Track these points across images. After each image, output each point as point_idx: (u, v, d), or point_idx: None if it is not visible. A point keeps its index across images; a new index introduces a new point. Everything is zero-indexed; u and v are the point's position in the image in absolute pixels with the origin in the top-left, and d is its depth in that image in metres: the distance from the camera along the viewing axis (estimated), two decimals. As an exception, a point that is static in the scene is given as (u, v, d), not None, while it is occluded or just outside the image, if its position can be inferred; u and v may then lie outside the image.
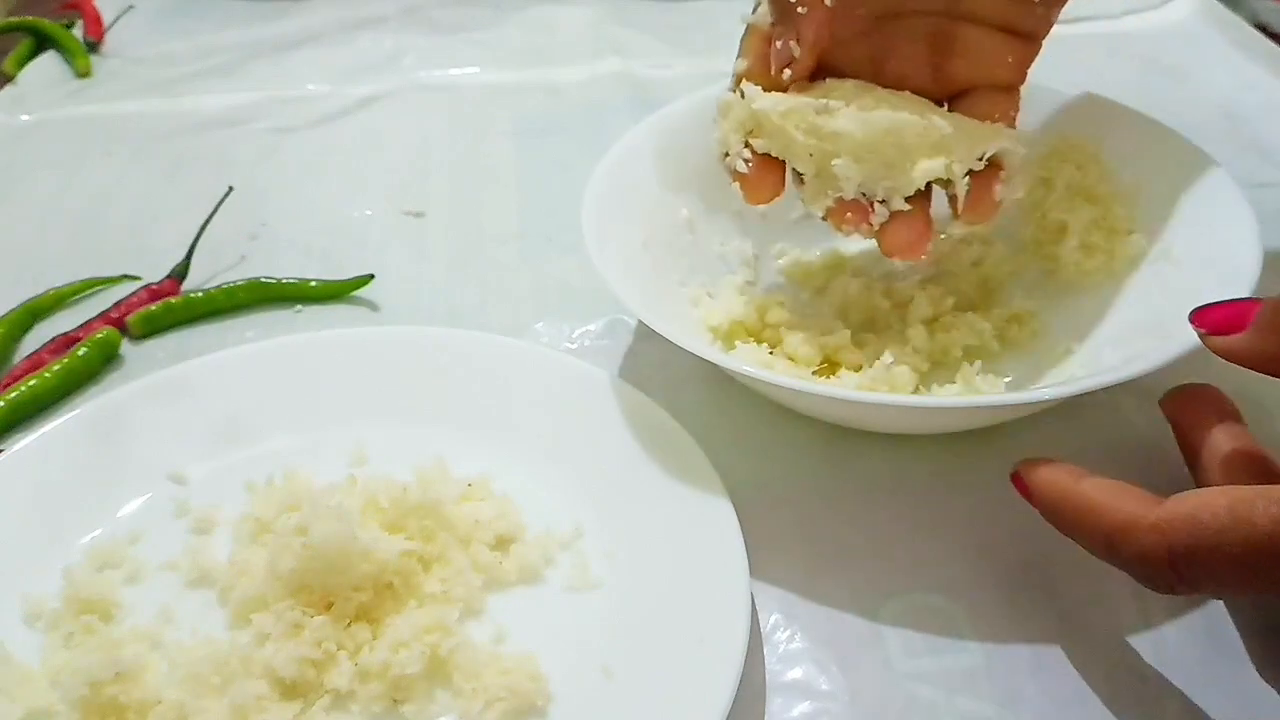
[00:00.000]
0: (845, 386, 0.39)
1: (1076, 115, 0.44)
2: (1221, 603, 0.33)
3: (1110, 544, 0.27)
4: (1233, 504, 0.24)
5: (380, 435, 0.39)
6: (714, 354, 0.36)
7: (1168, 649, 0.32)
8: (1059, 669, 0.32)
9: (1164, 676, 0.31)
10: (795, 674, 0.32)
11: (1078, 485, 0.29)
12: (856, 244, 0.47)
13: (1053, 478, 0.30)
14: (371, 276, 0.48)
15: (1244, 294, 0.34)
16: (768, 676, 0.32)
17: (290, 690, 0.30)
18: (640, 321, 0.44)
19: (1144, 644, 0.32)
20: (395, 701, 0.30)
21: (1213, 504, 0.25)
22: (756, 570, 0.34)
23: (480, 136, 0.60)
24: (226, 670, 0.30)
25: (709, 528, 0.33)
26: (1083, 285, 0.42)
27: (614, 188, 0.42)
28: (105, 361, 0.44)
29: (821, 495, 0.37)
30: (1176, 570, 0.25)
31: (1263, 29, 0.65)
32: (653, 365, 0.42)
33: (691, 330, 0.40)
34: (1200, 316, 0.29)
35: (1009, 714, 0.31)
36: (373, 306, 0.48)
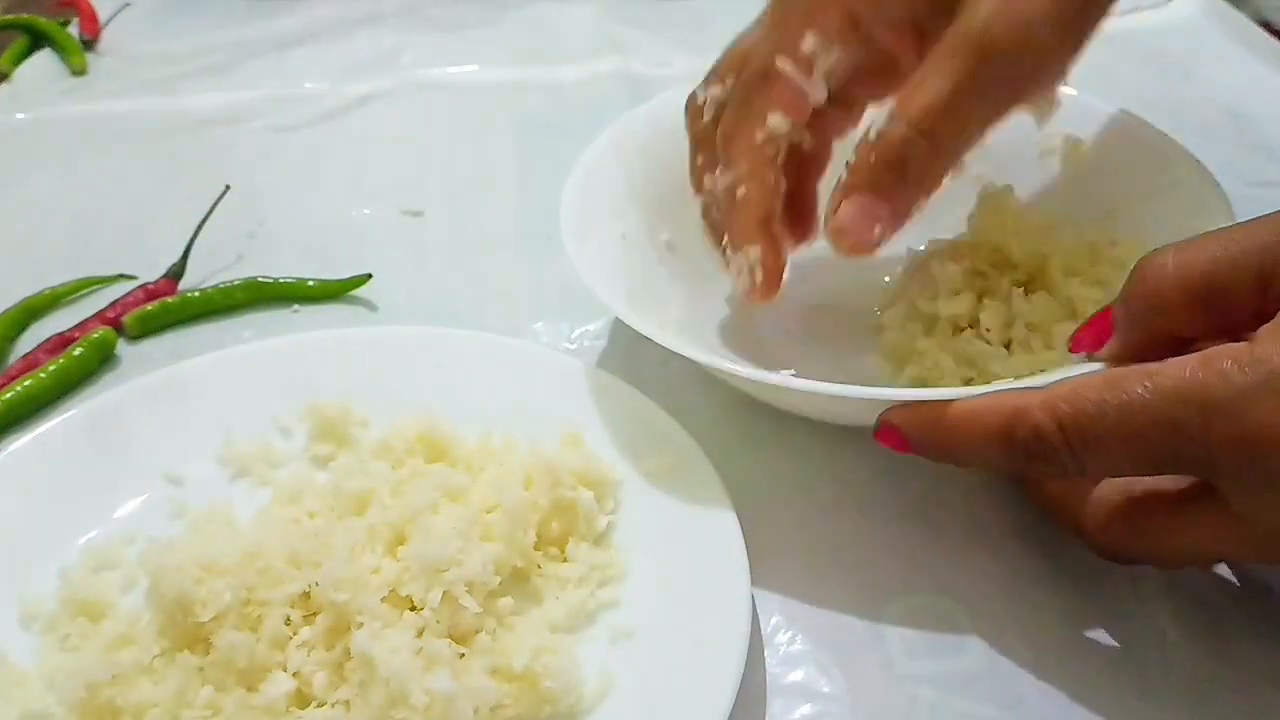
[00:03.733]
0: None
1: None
2: (1223, 604, 0.33)
3: (1009, 432, 0.28)
4: (1108, 376, 0.27)
5: (377, 435, 0.38)
6: (692, 350, 0.35)
7: (1170, 651, 0.32)
8: (1060, 671, 0.31)
9: (1166, 678, 0.31)
10: (796, 676, 0.32)
11: (952, 405, 0.29)
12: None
13: (920, 407, 0.30)
14: (369, 276, 0.48)
15: None
16: (769, 679, 0.32)
17: (288, 698, 0.30)
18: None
19: (1146, 645, 0.32)
20: (392, 708, 0.30)
21: (1092, 379, 0.27)
22: (757, 572, 0.34)
23: (479, 135, 0.59)
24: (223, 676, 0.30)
25: (709, 529, 0.33)
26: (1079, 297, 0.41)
27: (593, 184, 0.41)
28: (101, 361, 0.44)
29: (822, 496, 0.37)
30: (1069, 444, 0.27)
31: (1267, 26, 0.65)
32: (653, 365, 0.42)
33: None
34: (1075, 345, 0.31)
35: (1010, 716, 0.31)
36: (370, 306, 0.48)
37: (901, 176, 0.32)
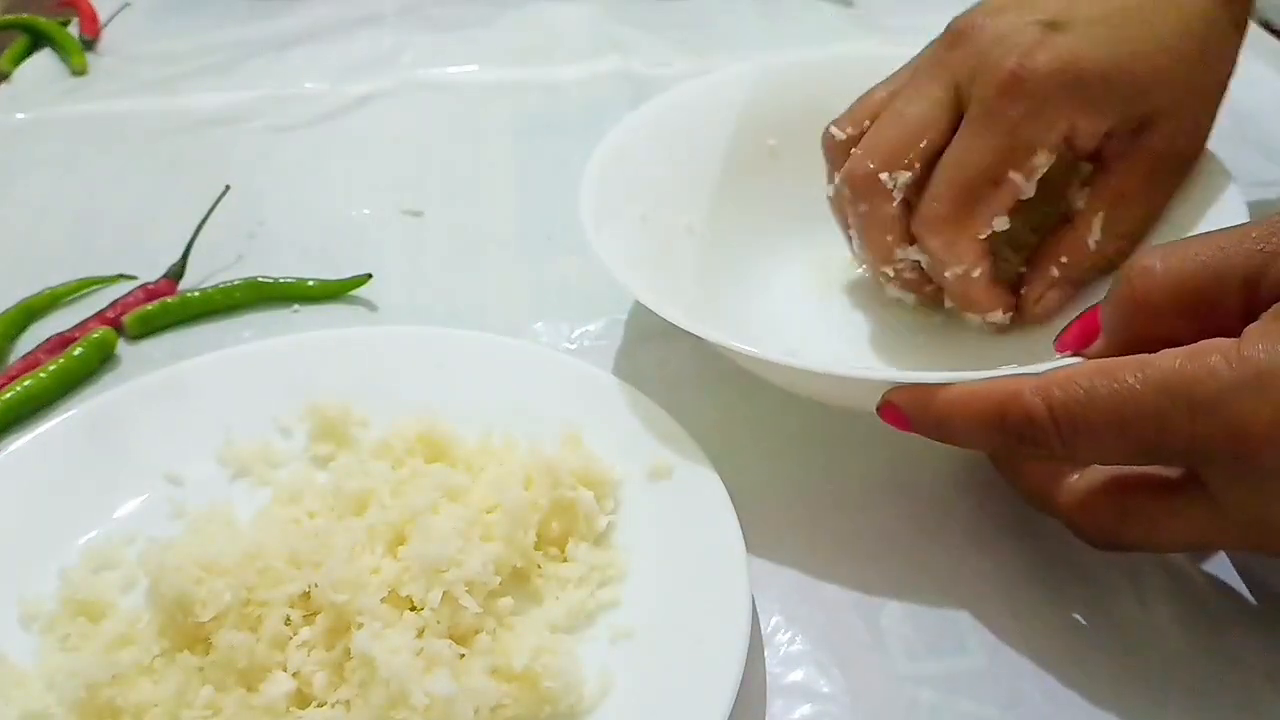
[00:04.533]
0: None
1: None
2: (1223, 605, 0.33)
3: (1001, 414, 0.28)
4: (1100, 365, 0.27)
5: (377, 435, 0.38)
6: (699, 328, 0.35)
7: (1171, 651, 0.32)
8: (1061, 671, 0.31)
9: (1166, 679, 0.31)
10: (796, 676, 0.32)
11: (949, 387, 0.30)
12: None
13: (921, 388, 0.31)
14: (369, 276, 0.48)
15: None
16: (769, 679, 0.32)
17: (288, 698, 0.30)
18: (639, 321, 0.44)
19: (1147, 646, 0.32)
20: (392, 709, 0.30)
21: (1085, 366, 0.28)
22: (757, 572, 0.34)
23: (479, 135, 0.59)
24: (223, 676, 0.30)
25: (709, 529, 0.33)
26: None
27: (617, 165, 0.42)
28: (101, 361, 0.44)
29: (823, 496, 0.37)
30: (1059, 429, 0.27)
31: (1267, 26, 0.65)
32: (652, 365, 0.42)
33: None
34: (1060, 344, 0.31)
35: (1010, 716, 0.31)
36: (371, 306, 0.48)
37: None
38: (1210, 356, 0.25)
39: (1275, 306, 0.26)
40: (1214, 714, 0.30)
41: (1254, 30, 0.64)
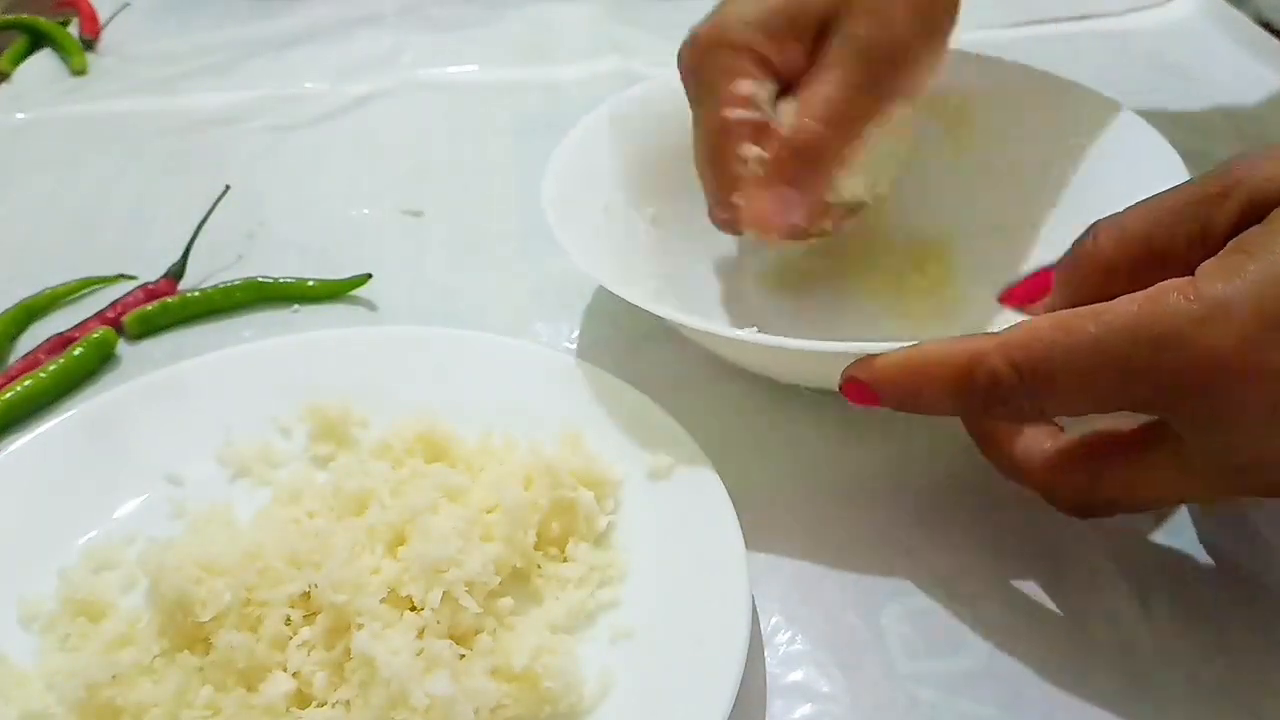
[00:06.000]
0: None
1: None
2: (1223, 605, 0.33)
3: (968, 378, 0.28)
4: (1059, 318, 0.27)
5: (377, 435, 0.38)
6: (661, 309, 0.36)
7: (1171, 651, 0.32)
8: (1061, 671, 0.31)
9: (1167, 679, 0.31)
10: (796, 676, 0.32)
11: (911, 354, 0.30)
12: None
13: (884, 359, 0.30)
14: (369, 276, 0.48)
15: None
16: (769, 679, 0.32)
17: (288, 698, 0.30)
18: (639, 321, 0.44)
19: (1147, 646, 0.32)
20: (393, 709, 0.30)
21: (1043, 320, 0.27)
22: (757, 572, 0.34)
23: (479, 135, 0.59)
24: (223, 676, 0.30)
25: (708, 529, 0.33)
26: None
27: (580, 157, 0.43)
28: (101, 361, 0.44)
29: (822, 496, 0.37)
30: (1025, 386, 0.27)
31: (1267, 26, 0.65)
32: (653, 365, 0.42)
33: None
34: (1006, 298, 0.31)
35: (1010, 716, 0.31)
36: (371, 306, 0.48)
37: (813, 165, 0.37)
38: (1169, 295, 0.26)
39: (1230, 243, 0.26)
40: (1214, 714, 0.30)
41: (1254, 30, 0.65)
